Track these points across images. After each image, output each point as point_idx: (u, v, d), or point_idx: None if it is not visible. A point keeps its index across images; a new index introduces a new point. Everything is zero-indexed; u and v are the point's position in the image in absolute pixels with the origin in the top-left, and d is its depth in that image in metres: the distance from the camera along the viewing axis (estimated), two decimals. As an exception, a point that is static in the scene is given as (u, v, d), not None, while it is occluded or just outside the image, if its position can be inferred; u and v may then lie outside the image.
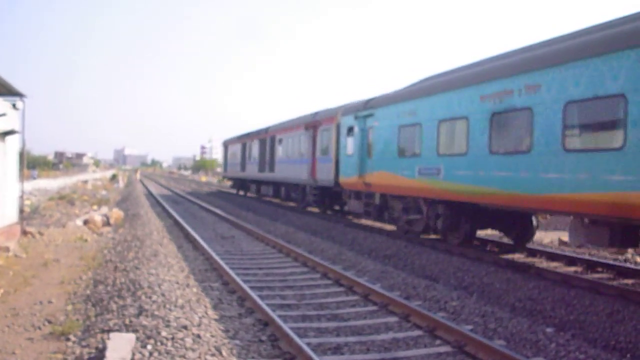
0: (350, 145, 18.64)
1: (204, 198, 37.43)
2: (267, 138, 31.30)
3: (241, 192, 41.37)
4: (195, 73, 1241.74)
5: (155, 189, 49.59)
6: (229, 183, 52.89)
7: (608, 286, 9.77)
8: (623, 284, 10.18)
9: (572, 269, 11.85)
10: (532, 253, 13.27)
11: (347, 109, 19.46)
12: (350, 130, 18.73)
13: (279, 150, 28.49)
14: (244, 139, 38.08)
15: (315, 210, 24.98)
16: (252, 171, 34.89)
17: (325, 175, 21.46)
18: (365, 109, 17.59)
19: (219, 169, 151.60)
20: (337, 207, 23.62)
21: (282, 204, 29.95)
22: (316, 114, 23.74)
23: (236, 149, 40.68)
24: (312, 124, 23.53)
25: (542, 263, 12.37)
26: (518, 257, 13.03)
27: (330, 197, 22.64)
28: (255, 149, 34.12)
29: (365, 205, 18.00)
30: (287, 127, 27.54)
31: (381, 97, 17.04)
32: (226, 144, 45.96)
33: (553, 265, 12.22)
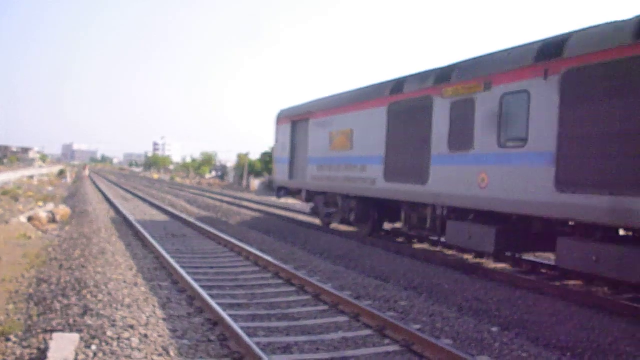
0: None
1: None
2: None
3: (335, 225, 18.92)
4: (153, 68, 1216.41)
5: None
6: (294, 200, 26.75)
7: (551, 287, 10.12)
8: (565, 285, 10.56)
9: (517, 269, 12.21)
10: (481, 254, 13.59)
11: None
12: None
13: None
14: (371, 101, 15.39)
15: None
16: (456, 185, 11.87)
17: None
18: None
19: (172, 167, 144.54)
20: None
21: None
22: None
23: (337, 125, 17.27)
24: None
25: (490, 264, 12.69)
26: (467, 257, 13.34)
27: None
28: (482, 114, 11.07)
29: None
30: None
31: None
32: (294, 119, 20.80)
33: (500, 266, 12.56)
